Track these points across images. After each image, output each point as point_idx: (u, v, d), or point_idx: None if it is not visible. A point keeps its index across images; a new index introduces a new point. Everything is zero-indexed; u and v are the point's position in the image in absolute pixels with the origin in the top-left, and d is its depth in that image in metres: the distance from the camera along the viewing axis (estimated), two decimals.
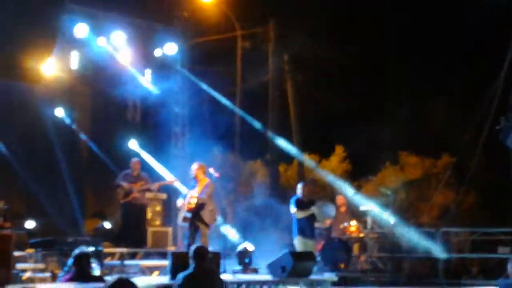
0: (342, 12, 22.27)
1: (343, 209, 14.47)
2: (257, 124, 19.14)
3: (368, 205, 14.83)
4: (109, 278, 7.39)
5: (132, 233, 14.32)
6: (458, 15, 20.69)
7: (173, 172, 16.26)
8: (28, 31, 13.41)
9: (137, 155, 15.69)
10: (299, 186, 13.21)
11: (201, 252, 7.94)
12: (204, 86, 17.73)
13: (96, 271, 10.72)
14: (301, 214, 12.80)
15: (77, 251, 7.51)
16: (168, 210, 16.02)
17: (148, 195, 14.83)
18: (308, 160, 21.62)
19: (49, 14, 13.94)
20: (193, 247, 8.16)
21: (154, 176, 15.06)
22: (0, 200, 10.46)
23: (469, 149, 16.78)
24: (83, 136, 16.03)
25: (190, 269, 7.81)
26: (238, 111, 19.75)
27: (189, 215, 11.84)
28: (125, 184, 14.22)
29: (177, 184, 14.85)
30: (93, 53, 15.45)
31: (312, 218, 12.97)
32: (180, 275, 7.76)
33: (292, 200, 13.06)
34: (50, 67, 14.77)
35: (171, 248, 14.40)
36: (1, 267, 8.61)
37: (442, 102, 23.31)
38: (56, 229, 13.23)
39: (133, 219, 14.39)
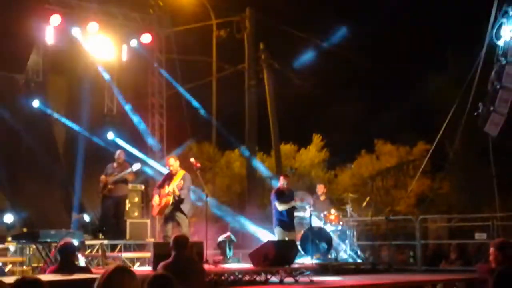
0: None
1: (323, 197, 14.52)
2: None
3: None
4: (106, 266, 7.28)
5: (111, 226, 14.22)
6: None
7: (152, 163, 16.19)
8: (12, 22, 13.32)
9: (116, 146, 15.49)
10: (281, 178, 13.29)
11: (181, 241, 7.86)
12: (180, 77, 17.59)
13: (81, 262, 10.68)
14: (283, 207, 12.86)
15: (62, 242, 7.41)
16: (147, 202, 15.91)
17: (129, 186, 14.68)
18: None
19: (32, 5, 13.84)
20: (173, 237, 8.12)
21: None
22: None
23: (445, 136, 16.90)
24: (61, 126, 15.75)
25: (170, 258, 7.72)
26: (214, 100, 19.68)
27: (168, 208, 11.80)
28: (102, 177, 14.17)
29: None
30: (68, 44, 15.25)
31: (292, 209, 13.08)
32: (161, 265, 7.68)
33: (273, 192, 13.11)
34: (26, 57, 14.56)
35: (149, 240, 14.32)
36: None
37: (417, 90, 23.50)
38: (37, 222, 13.03)
39: (110, 211, 14.27)
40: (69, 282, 6.32)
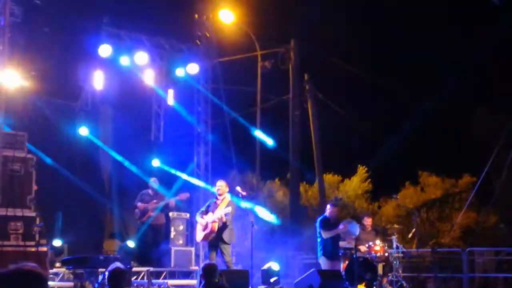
0: (361, 30, 22.37)
1: (368, 228, 14.42)
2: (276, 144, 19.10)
3: None
4: None
5: (152, 253, 14.37)
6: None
7: (196, 191, 16.30)
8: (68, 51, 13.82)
9: (161, 172, 15.68)
10: (328, 207, 13.19)
11: (209, 269, 7.96)
12: (225, 106, 17.75)
13: None
14: (327, 235, 12.74)
15: (113, 267, 7.50)
16: (191, 229, 16.00)
17: (171, 214, 14.86)
18: None
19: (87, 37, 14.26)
20: (202, 265, 8.24)
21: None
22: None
23: (492, 168, 16.70)
24: (107, 154, 16.01)
25: (200, 287, 7.81)
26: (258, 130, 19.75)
27: (212, 235, 11.84)
28: (139, 204, 14.41)
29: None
30: (116, 73, 15.56)
31: (337, 238, 12.94)
32: None
33: (319, 220, 13.01)
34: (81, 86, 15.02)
35: (194, 268, 14.41)
36: None
37: (462, 122, 23.28)
38: (80, 248, 13.23)
39: (151, 238, 14.45)
40: None
